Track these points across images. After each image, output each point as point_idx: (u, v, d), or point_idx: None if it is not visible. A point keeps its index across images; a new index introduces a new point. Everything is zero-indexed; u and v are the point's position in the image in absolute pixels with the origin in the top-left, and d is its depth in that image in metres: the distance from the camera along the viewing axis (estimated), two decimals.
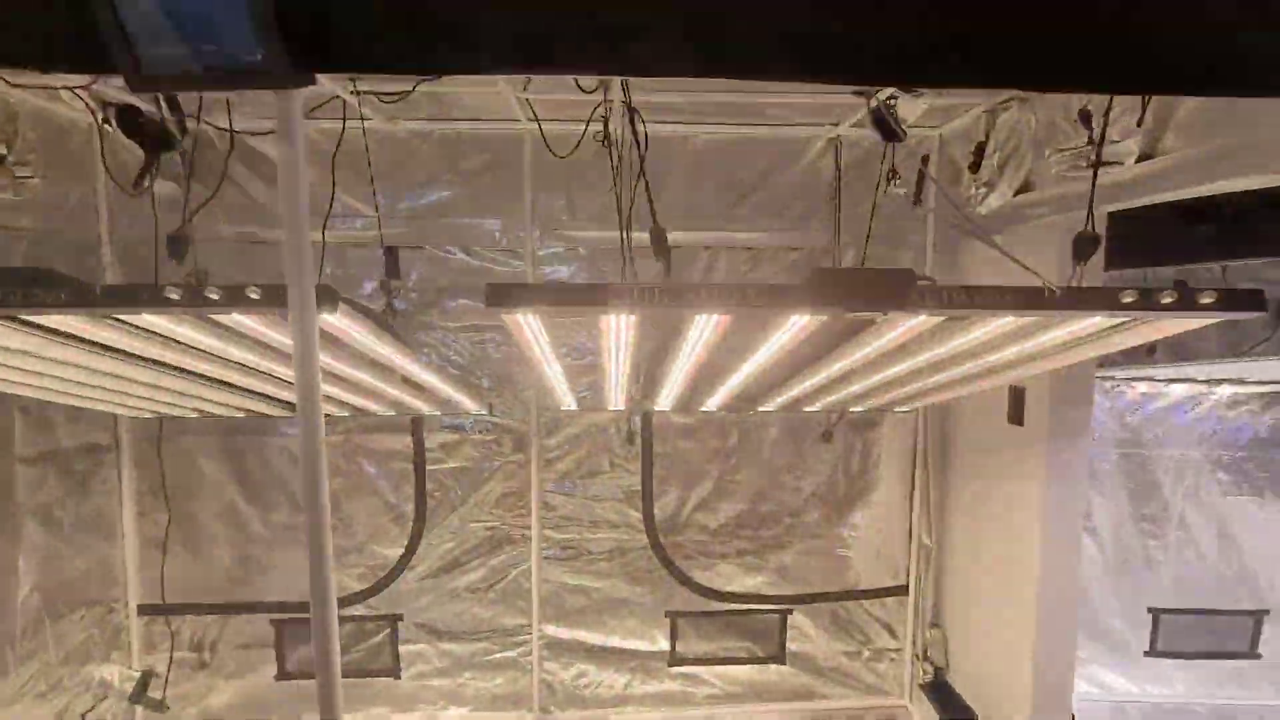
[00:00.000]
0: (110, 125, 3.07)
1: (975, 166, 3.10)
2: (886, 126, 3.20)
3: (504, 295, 1.53)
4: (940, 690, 3.85)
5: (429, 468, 3.75)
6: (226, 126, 3.13)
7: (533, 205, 3.56)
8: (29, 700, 3.13)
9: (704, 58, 0.93)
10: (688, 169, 3.55)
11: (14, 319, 1.76)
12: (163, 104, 3.10)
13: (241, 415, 3.23)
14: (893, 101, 2.92)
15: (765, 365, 2.47)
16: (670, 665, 3.95)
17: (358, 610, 3.79)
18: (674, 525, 3.86)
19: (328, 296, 1.57)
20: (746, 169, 3.64)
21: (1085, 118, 2.37)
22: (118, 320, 1.82)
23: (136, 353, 2.09)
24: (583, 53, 0.91)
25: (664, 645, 3.94)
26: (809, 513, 3.89)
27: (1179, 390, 3.95)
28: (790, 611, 3.94)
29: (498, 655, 3.89)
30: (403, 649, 3.84)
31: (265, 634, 3.78)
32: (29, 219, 3.05)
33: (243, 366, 2.32)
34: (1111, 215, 2.69)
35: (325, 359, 2.19)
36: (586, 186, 3.52)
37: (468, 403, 3.22)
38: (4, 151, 2.89)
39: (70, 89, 2.87)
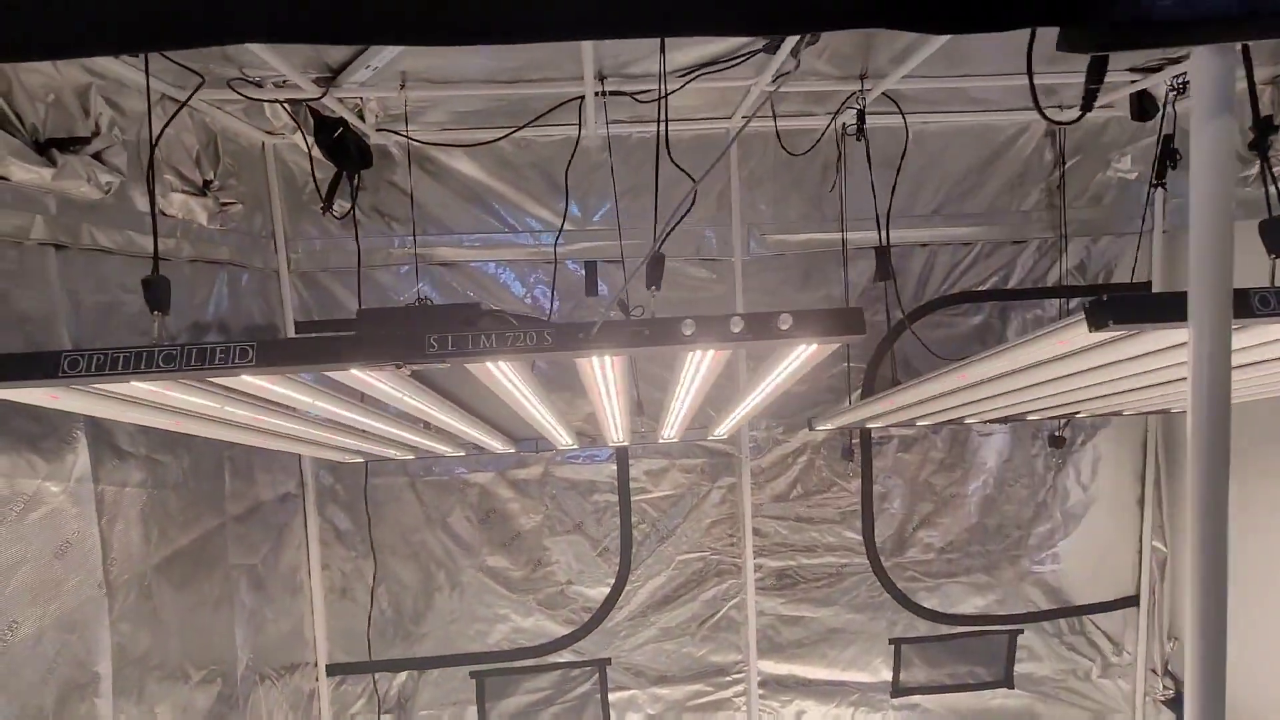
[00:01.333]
0: (309, 142, 2.78)
1: (1256, 143, 2.85)
2: (1149, 105, 2.97)
3: None
4: (1183, 706, 3.59)
5: (634, 499, 3.47)
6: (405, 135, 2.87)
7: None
8: None
9: None
10: (904, 162, 3.30)
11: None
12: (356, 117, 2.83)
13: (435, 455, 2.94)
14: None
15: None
16: (893, 696, 3.67)
17: (564, 656, 3.50)
18: (897, 545, 3.59)
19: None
20: (962, 160, 3.39)
21: None
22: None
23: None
24: None
25: (886, 675, 3.66)
26: (1039, 523, 3.63)
27: None
28: (1021, 631, 3.68)
29: (712, 696, 3.61)
30: (612, 696, 3.55)
31: (465, 689, 3.48)
32: (228, 250, 2.76)
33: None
34: None
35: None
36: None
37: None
38: (211, 176, 2.60)
39: (278, 101, 2.58)
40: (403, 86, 2.55)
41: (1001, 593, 3.66)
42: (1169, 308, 1.13)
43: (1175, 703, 3.64)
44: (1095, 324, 1.16)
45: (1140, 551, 3.70)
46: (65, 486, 1.88)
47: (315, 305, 3.25)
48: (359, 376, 1.43)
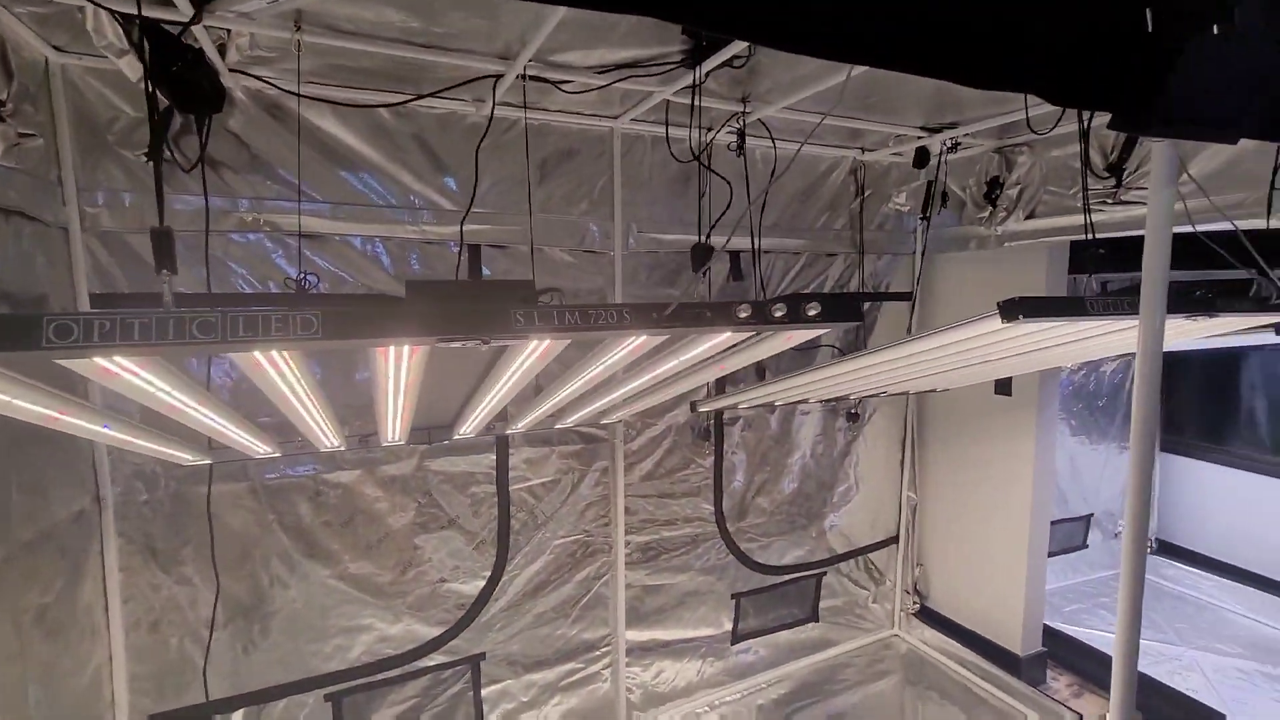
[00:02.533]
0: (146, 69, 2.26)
1: (989, 195, 3.93)
2: (924, 156, 3.88)
3: None
4: (929, 615, 4.77)
5: (513, 488, 3.44)
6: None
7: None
8: None
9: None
10: (753, 180, 3.80)
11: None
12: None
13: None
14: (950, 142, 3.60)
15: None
16: (733, 644, 4.21)
17: (435, 659, 3.33)
18: (739, 511, 4.12)
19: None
20: (795, 183, 4.03)
21: (1112, 168, 3.28)
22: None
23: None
24: None
25: (728, 627, 4.18)
26: (839, 484, 4.48)
27: None
28: (824, 574, 4.49)
29: (583, 672, 3.74)
30: (485, 691, 3.47)
31: (321, 715, 3.10)
32: (15, 195, 2.11)
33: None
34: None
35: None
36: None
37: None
38: (4, 96, 1.98)
39: (114, 13, 2.06)
40: (298, 29, 2.21)
41: (812, 544, 4.44)
42: (1063, 307, 1.65)
43: (921, 613, 4.79)
44: (1008, 318, 1.62)
45: (900, 501, 4.79)
46: None
47: (122, 274, 2.60)
48: (259, 363, 1.30)
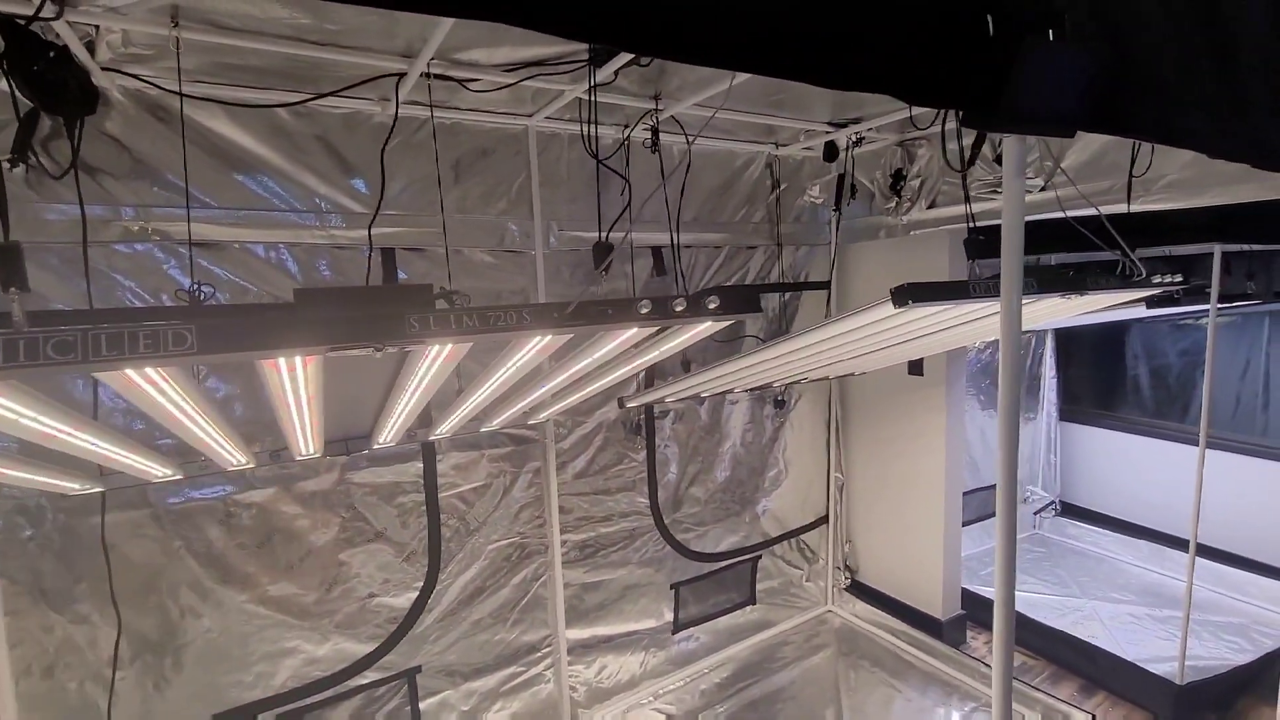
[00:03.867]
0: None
1: (894, 187, 4.13)
2: (832, 151, 4.04)
3: None
4: (859, 589, 4.99)
5: (443, 495, 3.37)
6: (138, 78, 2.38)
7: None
8: None
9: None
10: (674, 176, 3.86)
11: None
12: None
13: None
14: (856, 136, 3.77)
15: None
16: (674, 633, 4.28)
17: (368, 677, 3.23)
18: (674, 503, 4.18)
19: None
20: (713, 178, 4.11)
21: (1000, 158, 3.51)
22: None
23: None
24: None
25: (669, 617, 4.25)
26: (769, 469, 4.62)
27: None
28: (759, 557, 4.63)
29: (525, 675, 3.72)
30: (423, 704, 3.40)
31: None
32: None
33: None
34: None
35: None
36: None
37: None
38: None
39: None
40: (175, 24, 2.08)
41: (747, 529, 4.56)
42: (947, 291, 1.76)
43: (852, 588, 5.01)
44: (899, 303, 1.72)
45: (828, 481, 4.99)
46: None
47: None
48: (142, 379, 1.25)
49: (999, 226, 1.26)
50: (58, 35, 2.01)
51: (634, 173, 3.59)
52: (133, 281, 2.62)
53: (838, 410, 4.92)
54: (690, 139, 3.46)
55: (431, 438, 2.92)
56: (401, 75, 2.55)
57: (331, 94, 2.65)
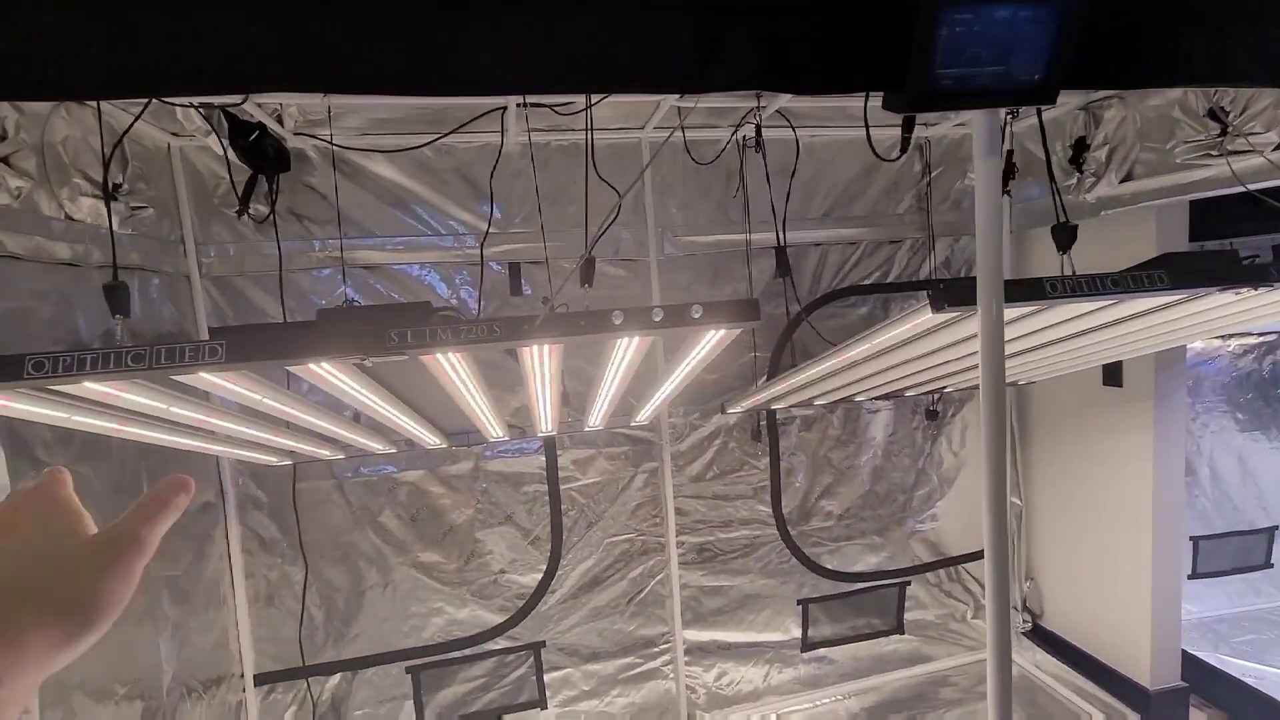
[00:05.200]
0: (224, 145, 2.77)
1: (1075, 160, 3.45)
2: None
3: None
4: (1043, 635, 4.23)
5: (563, 487, 3.65)
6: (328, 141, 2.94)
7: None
8: None
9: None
10: (796, 171, 3.68)
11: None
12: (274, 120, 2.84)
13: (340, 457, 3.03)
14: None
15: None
16: (803, 651, 4.07)
17: (499, 644, 3.63)
18: (802, 514, 3.99)
19: None
20: (847, 169, 3.82)
21: (1213, 114, 2.74)
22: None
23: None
24: None
25: (796, 633, 4.05)
26: (920, 487, 4.15)
27: (1197, 346, 4.57)
28: (908, 583, 4.19)
29: (643, 667, 3.86)
30: (548, 677, 3.72)
31: (401, 685, 3.54)
32: (138, 256, 2.70)
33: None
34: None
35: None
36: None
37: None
38: (120, 180, 2.55)
39: (194, 105, 2.57)
40: (325, 94, 2.59)
41: (891, 550, 4.16)
42: (1025, 290, 1.49)
43: (1033, 633, 4.27)
44: (936, 307, 1.49)
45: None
46: None
47: (231, 310, 3.20)
48: (316, 371, 1.54)
49: (1224, 198, 1.05)
50: (251, 115, 2.65)
51: (755, 172, 3.52)
52: (320, 299, 3.30)
53: (1015, 424, 4.23)
54: (797, 131, 3.29)
55: (542, 434, 3.19)
56: (504, 109, 2.85)
57: (452, 132, 3.04)
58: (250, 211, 3.00)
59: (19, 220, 2.05)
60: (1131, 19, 0.96)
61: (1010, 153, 3.74)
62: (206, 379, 1.47)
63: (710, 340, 1.79)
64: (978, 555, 4.34)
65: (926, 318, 1.53)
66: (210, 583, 3.11)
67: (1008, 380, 3.56)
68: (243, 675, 3.32)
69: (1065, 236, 2.31)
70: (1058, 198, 2.56)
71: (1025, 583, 4.32)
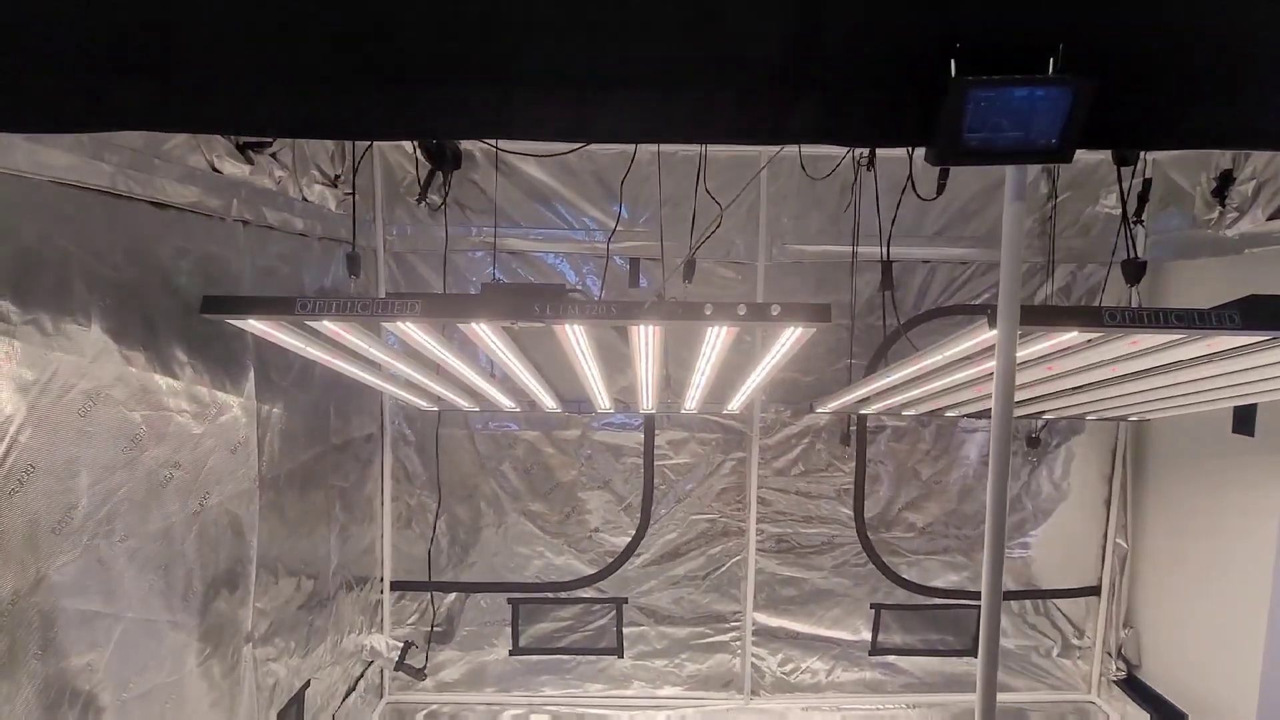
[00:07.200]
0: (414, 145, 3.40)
1: (1218, 192, 3.29)
2: (1125, 153, 3.41)
3: (216, 304, 1.92)
4: (1136, 687, 4.04)
5: (657, 463, 4.05)
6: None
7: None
8: (326, 666, 3.50)
9: None
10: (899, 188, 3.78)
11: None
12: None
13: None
14: None
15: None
16: (871, 654, 4.19)
17: (588, 593, 4.11)
18: (883, 522, 4.10)
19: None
20: (968, 187, 3.86)
21: None
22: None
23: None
24: None
25: (866, 636, 4.18)
26: (1013, 513, 4.11)
27: None
28: None
29: (712, 639, 4.18)
30: (626, 630, 4.14)
31: (503, 612, 4.11)
32: (345, 231, 3.40)
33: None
34: None
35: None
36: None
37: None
38: (339, 171, 3.25)
39: None
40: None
41: (973, 571, 4.15)
42: (1046, 315, 1.66)
43: (1126, 683, 4.08)
44: (992, 323, 1.69)
45: (1104, 546, 4.15)
46: (240, 401, 2.53)
47: (403, 280, 3.89)
48: (475, 330, 2.03)
49: None
50: None
51: (873, 187, 3.69)
52: (475, 276, 3.91)
53: (1129, 463, 4.05)
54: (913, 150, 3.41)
55: (643, 411, 3.59)
56: None
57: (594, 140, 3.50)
58: (427, 200, 3.65)
59: (276, 200, 2.76)
60: (1147, 86, 1.15)
61: (1148, 181, 3.62)
62: (402, 328, 2.00)
63: (790, 338, 2.08)
64: (1072, 592, 4.21)
65: (985, 337, 1.73)
66: (367, 499, 3.83)
67: (1117, 415, 3.48)
68: (383, 579, 4.04)
69: (1134, 271, 2.37)
70: (1125, 229, 2.53)
71: (1124, 630, 4.13)
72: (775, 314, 1.80)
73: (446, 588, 4.09)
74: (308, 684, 3.18)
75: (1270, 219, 3.09)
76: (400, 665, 3.89)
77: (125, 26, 1.21)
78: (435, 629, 4.09)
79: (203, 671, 2.41)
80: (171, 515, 2.21)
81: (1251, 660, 3.39)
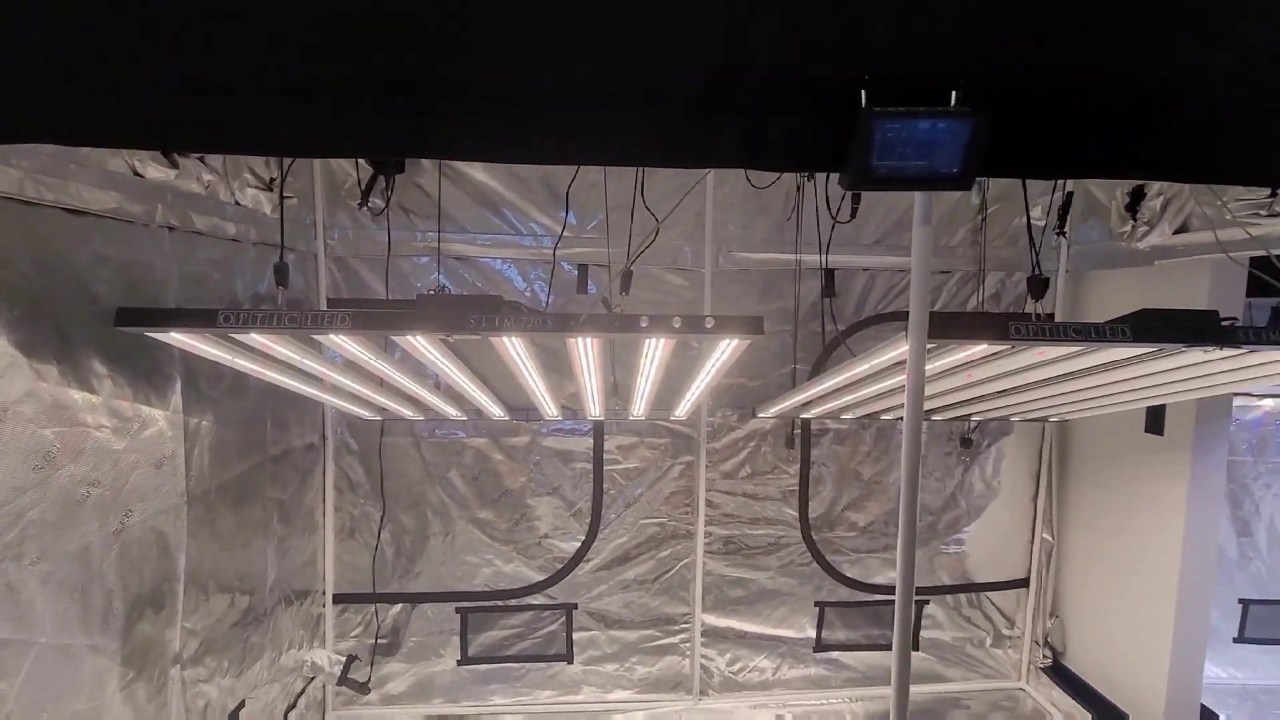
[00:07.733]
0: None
1: (1131, 207, 3.51)
2: None
3: (132, 316, 1.85)
4: (1061, 673, 4.27)
5: (606, 468, 4.06)
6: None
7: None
8: (264, 684, 3.39)
9: None
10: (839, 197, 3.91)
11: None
12: None
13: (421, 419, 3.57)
14: None
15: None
16: (815, 651, 4.31)
17: (537, 599, 4.10)
18: (826, 522, 4.22)
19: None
20: (903, 198, 4.01)
21: None
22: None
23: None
24: None
25: (810, 633, 4.29)
26: (948, 511, 4.29)
27: (1270, 403, 4.43)
28: (927, 602, 4.33)
29: (661, 641, 4.22)
30: (576, 636, 4.15)
31: (450, 622, 4.06)
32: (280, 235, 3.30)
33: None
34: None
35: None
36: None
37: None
38: (275, 175, 3.16)
39: None
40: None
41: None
42: (954, 329, 1.76)
43: (1052, 669, 4.31)
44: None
45: (1032, 541, 4.37)
46: (165, 414, 2.43)
47: (345, 285, 3.80)
48: (412, 342, 2.01)
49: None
50: None
51: (809, 198, 3.79)
52: (419, 282, 3.85)
53: (1053, 461, 4.28)
54: None
55: (593, 418, 3.61)
56: None
57: None
58: (369, 204, 3.57)
59: (205, 204, 2.66)
60: (1043, 119, 1.24)
61: (1069, 195, 3.83)
62: (334, 340, 1.97)
63: (728, 348, 2.13)
64: (1003, 584, 4.42)
65: (904, 349, 1.81)
66: (308, 510, 3.73)
67: (1040, 416, 3.68)
68: (324, 592, 3.93)
69: (1038, 287, 2.54)
70: (1033, 249, 2.71)
71: (1050, 619, 4.36)
72: (710, 326, 1.84)
73: (392, 599, 4.02)
74: (243, 704, 3.08)
75: (1176, 232, 3.32)
76: (343, 680, 3.80)
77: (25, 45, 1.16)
78: (380, 641, 4.01)
79: (126, 696, 2.31)
80: (89, 535, 2.11)
81: (1162, 646, 3.63)
